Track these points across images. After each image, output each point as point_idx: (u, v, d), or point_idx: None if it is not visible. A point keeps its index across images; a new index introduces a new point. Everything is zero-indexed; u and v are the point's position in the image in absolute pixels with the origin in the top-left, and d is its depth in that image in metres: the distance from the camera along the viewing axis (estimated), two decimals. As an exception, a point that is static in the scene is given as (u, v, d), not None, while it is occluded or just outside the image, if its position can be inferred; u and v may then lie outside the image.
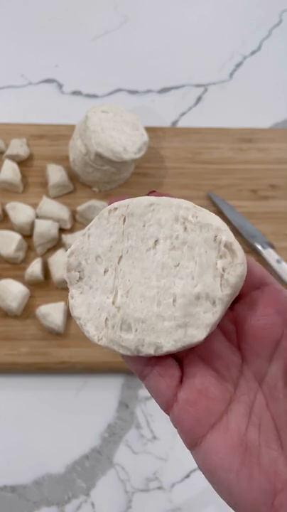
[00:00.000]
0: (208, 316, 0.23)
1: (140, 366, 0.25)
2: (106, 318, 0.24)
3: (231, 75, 0.80)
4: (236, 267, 0.23)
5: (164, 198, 0.25)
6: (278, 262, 0.58)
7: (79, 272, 0.26)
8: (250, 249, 0.61)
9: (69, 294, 0.26)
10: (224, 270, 0.23)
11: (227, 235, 0.23)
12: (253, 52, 0.83)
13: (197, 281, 0.23)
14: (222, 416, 0.23)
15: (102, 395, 0.53)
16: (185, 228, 0.24)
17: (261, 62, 0.82)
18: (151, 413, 0.52)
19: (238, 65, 0.81)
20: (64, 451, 0.50)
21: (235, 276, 0.23)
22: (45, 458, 0.50)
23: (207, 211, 0.24)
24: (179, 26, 0.85)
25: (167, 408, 0.24)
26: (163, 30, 0.84)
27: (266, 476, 0.21)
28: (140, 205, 0.25)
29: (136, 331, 0.24)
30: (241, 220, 0.62)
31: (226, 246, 0.23)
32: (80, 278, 0.26)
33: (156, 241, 0.24)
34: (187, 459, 0.24)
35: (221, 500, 0.23)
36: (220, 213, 0.63)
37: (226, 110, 0.76)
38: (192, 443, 0.23)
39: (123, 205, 0.25)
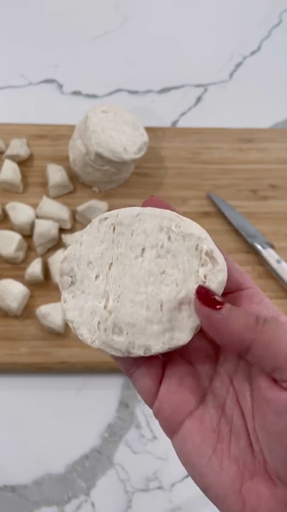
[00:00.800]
0: (192, 320, 0.25)
1: (127, 365, 0.27)
2: (99, 322, 0.26)
3: (231, 75, 0.80)
4: (217, 274, 0.25)
5: (148, 208, 0.26)
6: (278, 262, 0.58)
7: (71, 276, 0.27)
8: (250, 250, 0.61)
9: (62, 298, 0.27)
10: (205, 277, 0.25)
11: (208, 244, 0.25)
12: (253, 53, 0.83)
13: (181, 288, 0.25)
14: (198, 406, 0.25)
15: (102, 395, 0.53)
16: (169, 238, 0.25)
17: (261, 63, 0.82)
18: (151, 413, 0.52)
19: (238, 65, 0.81)
20: (64, 451, 0.50)
21: (216, 282, 0.25)
22: (45, 458, 0.50)
23: (188, 220, 0.26)
24: (179, 26, 0.85)
25: (151, 402, 0.26)
26: (163, 31, 0.84)
27: (235, 465, 0.23)
28: (128, 215, 0.26)
29: (127, 334, 0.25)
30: (241, 220, 0.62)
31: (207, 254, 0.25)
32: (72, 283, 0.27)
33: (143, 249, 0.26)
34: (187, 459, 0.25)
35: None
36: (220, 213, 0.63)
37: (226, 110, 0.76)
38: (171, 430, 0.25)
39: (112, 215, 0.27)
